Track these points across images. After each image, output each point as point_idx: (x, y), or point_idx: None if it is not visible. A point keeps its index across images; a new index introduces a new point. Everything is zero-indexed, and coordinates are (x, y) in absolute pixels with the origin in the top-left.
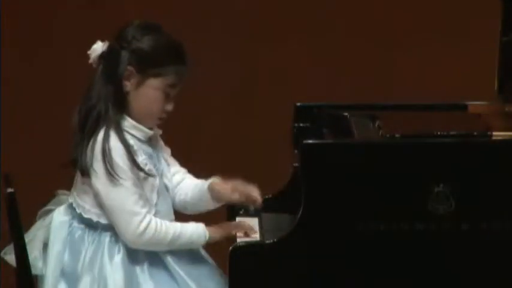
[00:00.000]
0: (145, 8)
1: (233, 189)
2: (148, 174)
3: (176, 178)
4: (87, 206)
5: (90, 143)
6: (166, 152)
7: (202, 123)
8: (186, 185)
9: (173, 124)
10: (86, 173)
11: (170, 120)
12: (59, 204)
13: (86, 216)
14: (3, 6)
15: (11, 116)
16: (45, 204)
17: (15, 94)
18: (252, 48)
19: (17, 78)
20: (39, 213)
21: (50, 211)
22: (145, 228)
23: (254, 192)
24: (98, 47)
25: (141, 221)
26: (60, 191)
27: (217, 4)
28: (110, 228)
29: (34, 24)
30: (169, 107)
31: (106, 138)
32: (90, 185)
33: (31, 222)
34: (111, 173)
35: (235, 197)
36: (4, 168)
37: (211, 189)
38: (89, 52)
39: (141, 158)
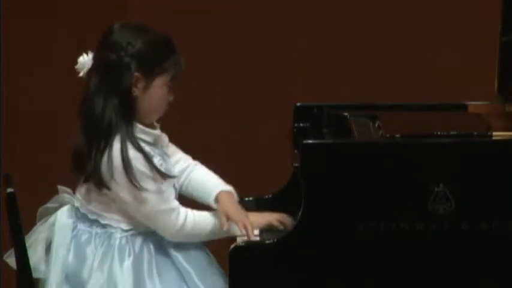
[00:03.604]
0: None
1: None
2: (169, 177)
3: (179, 166)
4: (105, 214)
5: (105, 157)
6: (165, 139)
7: (202, 123)
8: (193, 182)
9: (173, 124)
10: (105, 186)
11: (170, 120)
12: (59, 202)
13: (103, 222)
14: (3, 6)
15: (11, 116)
16: (45, 203)
17: (15, 94)
18: (253, 48)
19: (17, 78)
20: (39, 210)
21: (50, 209)
22: (184, 222)
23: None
24: (87, 60)
25: (177, 216)
26: (60, 187)
27: (217, 3)
28: (123, 231)
29: (34, 23)
30: (171, 97)
31: (124, 149)
32: (109, 196)
33: (31, 222)
34: (133, 182)
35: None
36: (4, 168)
37: (217, 201)
38: (76, 67)
39: (156, 160)
